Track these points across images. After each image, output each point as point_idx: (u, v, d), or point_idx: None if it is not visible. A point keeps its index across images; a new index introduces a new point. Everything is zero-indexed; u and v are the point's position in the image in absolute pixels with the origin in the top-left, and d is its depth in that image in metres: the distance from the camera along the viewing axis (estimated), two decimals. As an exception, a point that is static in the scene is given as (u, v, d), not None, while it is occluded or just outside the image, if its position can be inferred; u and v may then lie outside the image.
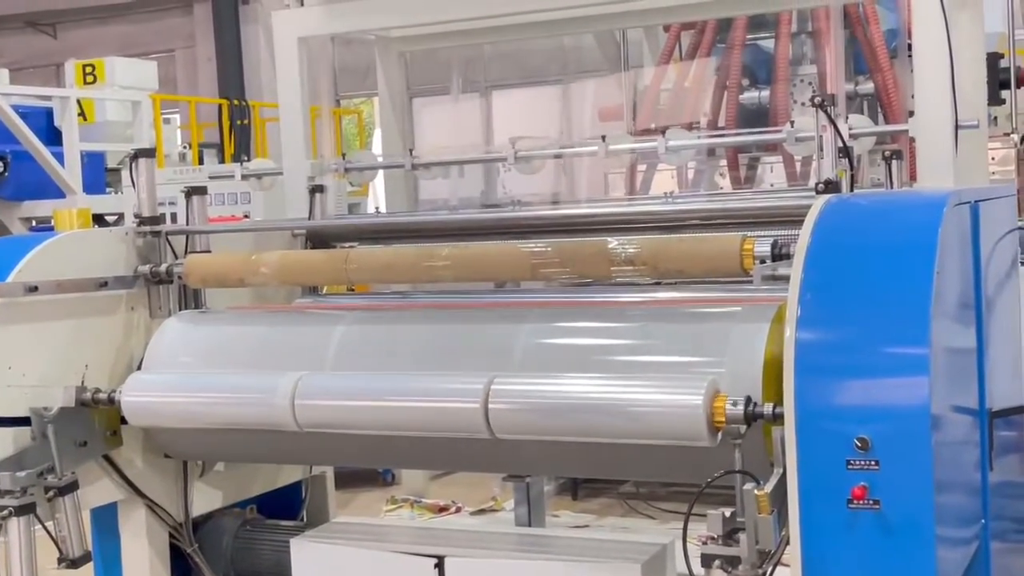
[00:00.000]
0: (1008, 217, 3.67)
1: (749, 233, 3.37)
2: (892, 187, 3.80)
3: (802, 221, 2.99)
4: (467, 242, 3.95)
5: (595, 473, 4.05)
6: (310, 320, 4.06)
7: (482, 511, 5.86)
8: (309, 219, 4.76)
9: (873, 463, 2.65)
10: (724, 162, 6.99)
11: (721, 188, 6.99)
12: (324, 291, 4.73)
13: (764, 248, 3.30)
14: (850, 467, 2.67)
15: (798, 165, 6.63)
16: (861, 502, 2.65)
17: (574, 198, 8.13)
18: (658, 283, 3.69)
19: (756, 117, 6.78)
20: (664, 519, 5.49)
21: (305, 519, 4.77)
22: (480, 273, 3.64)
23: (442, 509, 5.88)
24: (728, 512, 2.81)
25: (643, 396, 3.16)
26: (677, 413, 3.09)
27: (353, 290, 5.54)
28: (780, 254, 3.28)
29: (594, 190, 7.91)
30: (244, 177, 5.62)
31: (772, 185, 6.83)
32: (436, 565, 3.67)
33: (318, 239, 4.71)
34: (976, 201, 3.17)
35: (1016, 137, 6.35)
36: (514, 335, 3.54)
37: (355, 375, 3.59)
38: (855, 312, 2.75)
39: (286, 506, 4.76)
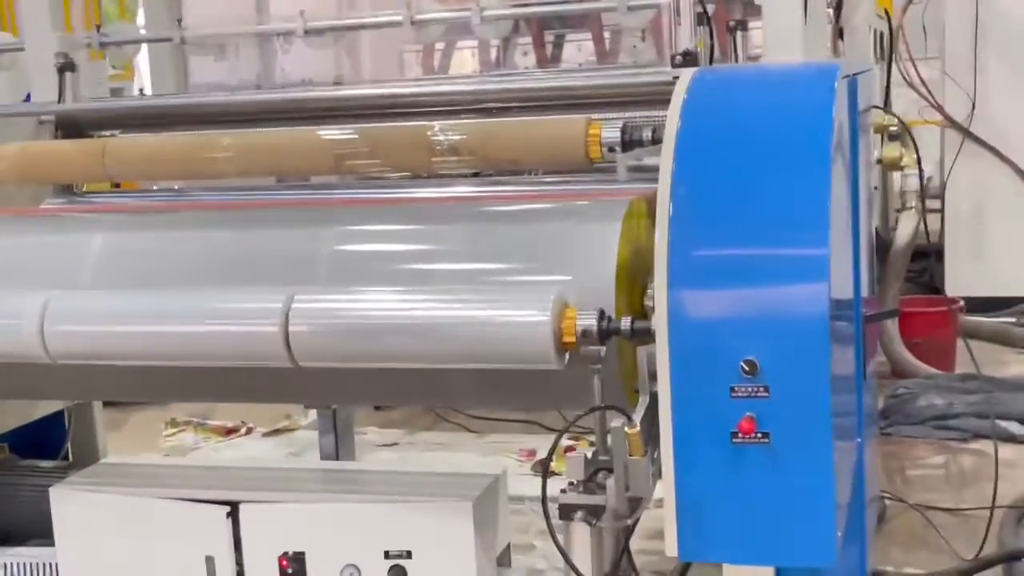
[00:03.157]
0: (871, 95, 3.29)
1: (593, 116, 2.87)
2: (737, 61, 3.36)
3: (653, 101, 2.52)
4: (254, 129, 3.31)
5: (424, 402, 3.53)
6: (62, 227, 3.34)
7: (276, 431, 5.28)
8: (59, 103, 4.01)
9: (762, 389, 2.22)
10: (528, 39, 6.44)
11: (525, 68, 6.45)
12: (83, 190, 4.00)
13: (612, 133, 2.81)
14: (735, 395, 2.23)
15: (607, 43, 6.15)
16: (748, 437, 2.22)
17: (361, 81, 7.46)
18: (489, 176, 3.16)
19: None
20: (481, 431, 5.04)
21: (70, 456, 4.11)
22: (271, 166, 3.02)
23: (230, 431, 5.26)
24: (589, 453, 2.35)
25: (478, 313, 2.63)
26: (519, 333, 2.58)
27: (119, 187, 4.79)
28: (631, 140, 2.80)
29: (385, 72, 7.24)
30: (-24, 53, 4.73)
31: (580, 65, 6.33)
32: (229, 513, 3.10)
33: (70, 127, 3.96)
34: (855, 75, 2.75)
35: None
36: (317, 242, 2.95)
37: (119, 294, 2.93)
38: (739, 208, 2.29)
39: (46, 441, 4.09)
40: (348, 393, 3.13)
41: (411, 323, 2.67)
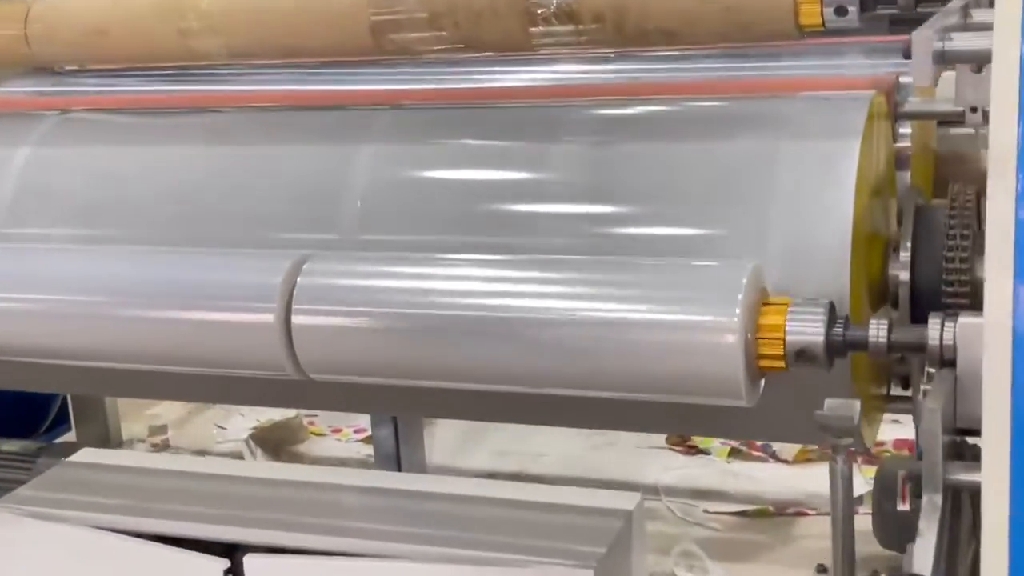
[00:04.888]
0: None
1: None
2: None
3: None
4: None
5: (520, 420, 2.39)
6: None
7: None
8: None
9: None
10: None
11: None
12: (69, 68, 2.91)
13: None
14: None
15: None
16: None
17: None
18: (625, 52, 1.99)
19: None
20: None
21: (74, 430, 3.16)
22: (270, 42, 1.88)
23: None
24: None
25: (603, 309, 1.50)
26: (680, 347, 1.46)
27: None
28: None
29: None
30: None
31: None
32: (228, 570, 2.07)
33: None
34: None
35: None
36: (343, 165, 1.83)
37: (34, 251, 1.86)
38: None
39: (29, 409, 3.13)
40: (403, 403, 2.03)
41: (489, 320, 1.56)
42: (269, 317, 1.64)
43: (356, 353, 1.63)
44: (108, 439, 3.57)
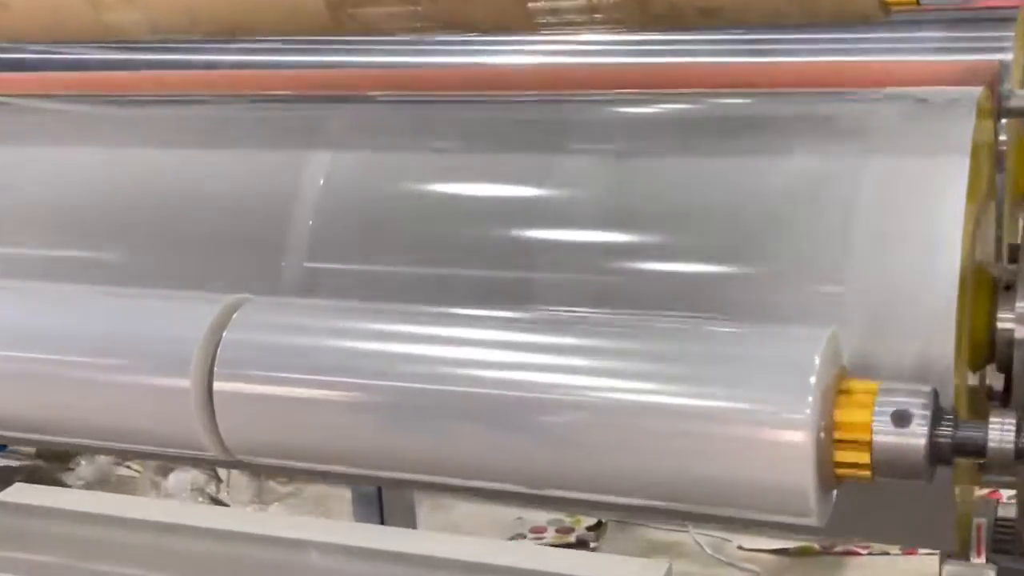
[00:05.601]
0: None
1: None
2: None
3: None
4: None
5: (532, 505, 2.01)
6: None
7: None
8: None
9: None
10: None
11: None
12: None
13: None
14: None
15: None
16: None
17: None
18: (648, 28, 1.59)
19: None
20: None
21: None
22: (203, 17, 1.47)
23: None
24: None
25: (628, 393, 1.11)
26: (735, 448, 1.07)
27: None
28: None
29: None
30: None
31: None
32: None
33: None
34: None
35: None
36: (293, 174, 1.44)
37: None
38: None
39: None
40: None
41: (468, 397, 1.16)
42: (184, 382, 1.25)
43: (296, 432, 1.24)
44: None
